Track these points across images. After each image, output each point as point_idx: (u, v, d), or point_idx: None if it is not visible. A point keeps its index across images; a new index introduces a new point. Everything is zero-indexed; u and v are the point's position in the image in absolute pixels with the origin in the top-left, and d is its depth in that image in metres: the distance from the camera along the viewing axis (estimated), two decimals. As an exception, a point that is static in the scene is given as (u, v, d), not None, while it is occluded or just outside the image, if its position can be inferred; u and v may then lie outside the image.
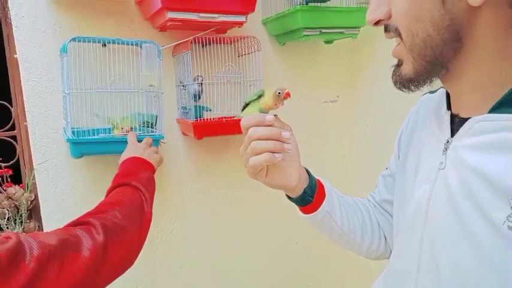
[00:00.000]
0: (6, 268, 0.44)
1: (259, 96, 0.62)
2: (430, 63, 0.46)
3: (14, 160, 1.18)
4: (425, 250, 0.50)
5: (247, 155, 0.56)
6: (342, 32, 1.28)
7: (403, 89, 0.49)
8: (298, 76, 1.44)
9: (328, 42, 1.39)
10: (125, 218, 0.63)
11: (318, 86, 1.49)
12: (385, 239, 0.70)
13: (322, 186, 0.65)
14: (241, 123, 0.57)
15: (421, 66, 0.46)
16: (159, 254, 1.24)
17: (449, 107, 0.52)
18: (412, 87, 0.48)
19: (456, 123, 0.49)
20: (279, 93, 0.59)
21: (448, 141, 0.49)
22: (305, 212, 0.65)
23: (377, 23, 0.49)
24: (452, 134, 0.49)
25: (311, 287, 1.55)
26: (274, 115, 0.57)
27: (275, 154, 0.54)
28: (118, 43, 1.06)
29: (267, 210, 1.40)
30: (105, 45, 1.08)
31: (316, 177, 0.66)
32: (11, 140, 1.18)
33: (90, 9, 1.09)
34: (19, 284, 0.44)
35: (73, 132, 0.95)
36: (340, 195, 0.69)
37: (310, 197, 0.63)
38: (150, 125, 1.07)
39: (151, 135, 1.02)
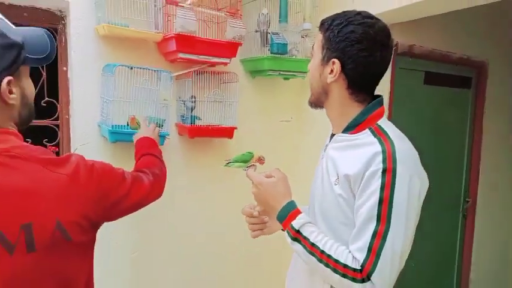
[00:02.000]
0: (122, 178, 0.94)
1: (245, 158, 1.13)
2: (316, 99, 1.04)
3: (56, 142, 1.65)
4: (311, 201, 1.07)
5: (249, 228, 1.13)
6: (294, 74, 1.86)
7: (311, 107, 1.08)
8: (264, 101, 2.00)
9: (285, 79, 1.96)
10: (159, 171, 1.12)
11: (276, 109, 2.06)
12: None
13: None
14: (242, 212, 1.12)
15: (313, 99, 1.05)
16: (153, 224, 1.73)
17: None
18: (313, 107, 1.07)
19: (332, 136, 1.06)
20: (261, 158, 1.15)
21: (326, 145, 1.06)
22: None
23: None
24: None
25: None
26: (253, 165, 1.11)
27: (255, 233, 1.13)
28: (142, 69, 1.56)
29: (237, 196, 1.92)
30: (131, 68, 1.58)
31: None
32: (55, 127, 1.65)
33: (124, 44, 1.59)
34: (125, 188, 0.93)
35: (112, 126, 1.45)
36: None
37: None
38: (159, 126, 1.58)
39: (161, 132, 1.53)
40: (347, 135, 0.98)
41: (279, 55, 1.74)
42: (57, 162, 0.79)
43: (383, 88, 2.07)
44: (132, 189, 0.94)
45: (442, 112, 2.46)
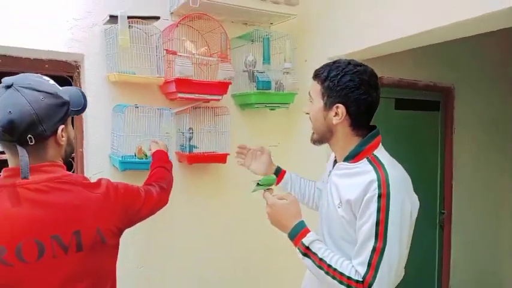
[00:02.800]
0: (138, 194, 1.18)
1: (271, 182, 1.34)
2: (321, 137, 1.25)
3: (71, 172, 1.89)
4: (319, 220, 1.29)
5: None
6: (278, 106, 2.14)
7: (314, 144, 1.29)
8: (253, 129, 2.27)
9: (271, 109, 2.23)
10: (166, 184, 1.37)
11: (265, 136, 2.32)
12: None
13: (284, 171, 1.57)
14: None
15: (317, 137, 1.25)
16: (161, 238, 1.96)
17: (335, 157, 1.30)
18: (317, 144, 1.28)
19: (335, 164, 1.27)
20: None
21: (330, 171, 1.28)
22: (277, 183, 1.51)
23: (307, 113, 1.27)
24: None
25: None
26: (271, 188, 1.30)
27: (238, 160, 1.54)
28: (146, 108, 1.83)
29: (233, 214, 2.15)
30: (137, 107, 1.84)
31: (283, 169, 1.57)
32: (70, 160, 1.90)
33: (131, 88, 1.86)
34: (140, 201, 1.16)
35: (122, 156, 1.70)
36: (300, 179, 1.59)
37: (278, 173, 1.55)
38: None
39: (163, 161, 1.78)
40: (348, 163, 1.17)
41: (263, 90, 2.02)
42: (94, 185, 1.05)
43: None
44: (145, 201, 1.20)
45: (415, 133, 2.74)
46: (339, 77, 1.14)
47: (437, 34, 1.74)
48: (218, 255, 2.17)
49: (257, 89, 2.01)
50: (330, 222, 1.21)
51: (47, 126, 0.96)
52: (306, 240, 1.10)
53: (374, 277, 1.01)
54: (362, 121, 1.18)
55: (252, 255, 2.26)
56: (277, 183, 1.54)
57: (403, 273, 1.17)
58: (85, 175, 1.86)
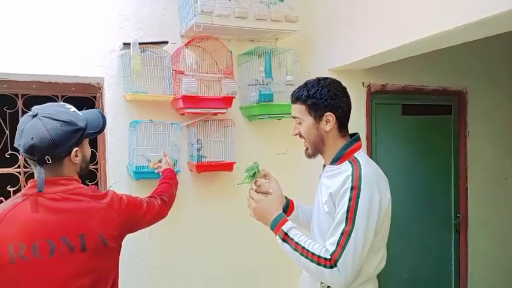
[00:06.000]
0: (141, 205, 1.36)
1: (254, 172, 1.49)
2: (315, 149, 1.42)
3: (95, 182, 2.13)
4: (312, 217, 1.46)
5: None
6: (283, 116, 2.27)
7: (310, 158, 1.46)
8: (260, 139, 2.42)
9: (278, 119, 2.36)
10: (168, 198, 1.54)
11: (273, 145, 2.46)
12: None
13: (293, 203, 1.57)
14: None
15: (312, 151, 1.43)
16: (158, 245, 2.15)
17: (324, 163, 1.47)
18: (312, 157, 1.45)
19: (324, 168, 1.44)
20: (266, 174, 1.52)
21: (320, 175, 1.45)
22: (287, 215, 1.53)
23: (296, 135, 1.45)
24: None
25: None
26: (265, 174, 1.50)
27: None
28: (158, 122, 2.04)
29: (239, 218, 2.31)
30: (152, 122, 2.06)
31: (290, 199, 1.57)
32: (95, 170, 2.14)
33: (145, 105, 2.08)
34: (142, 211, 1.35)
35: (135, 167, 1.91)
36: (303, 205, 1.61)
37: (285, 209, 1.53)
38: (174, 164, 2.02)
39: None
40: (334, 166, 1.36)
41: (266, 102, 2.17)
42: (100, 196, 1.24)
43: (359, 123, 2.44)
44: (146, 211, 1.38)
45: (425, 138, 2.76)
46: (319, 92, 1.35)
47: (441, 39, 1.74)
48: (224, 254, 2.33)
49: (259, 102, 2.16)
50: (320, 222, 1.37)
51: (62, 149, 1.16)
52: (285, 227, 1.30)
53: (340, 255, 1.19)
54: (346, 122, 1.39)
55: (251, 254, 2.40)
56: (288, 214, 1.53)
57: (384, 264, 1.35)
58: (107, 184, 2.10)
